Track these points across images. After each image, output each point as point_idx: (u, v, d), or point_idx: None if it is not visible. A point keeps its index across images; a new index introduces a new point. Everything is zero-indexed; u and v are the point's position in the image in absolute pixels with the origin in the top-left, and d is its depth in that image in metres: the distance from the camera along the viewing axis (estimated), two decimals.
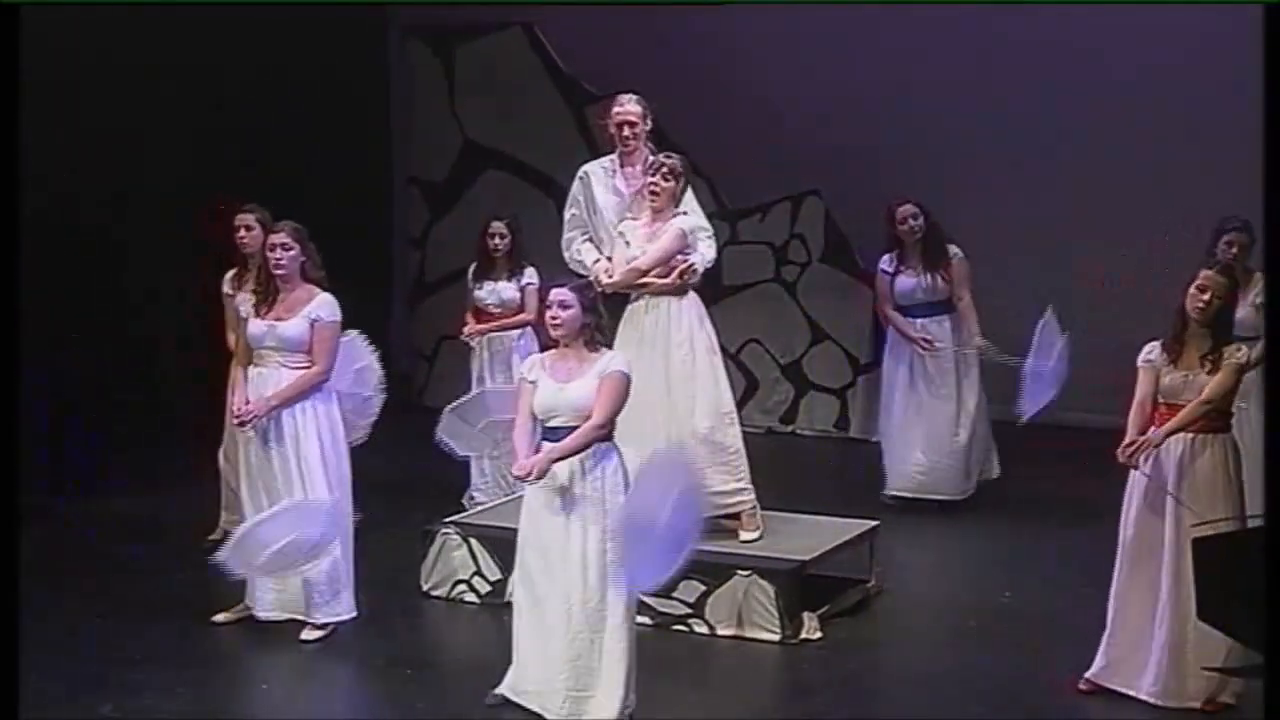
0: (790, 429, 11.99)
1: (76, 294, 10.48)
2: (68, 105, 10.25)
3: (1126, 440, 6.60)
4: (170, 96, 11.29)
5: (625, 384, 6.42)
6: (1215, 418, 6.62)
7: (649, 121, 8.16)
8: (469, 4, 12.90)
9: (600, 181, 8.18)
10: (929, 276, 9.66)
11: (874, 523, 8.37)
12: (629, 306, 7.90)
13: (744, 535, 7.95)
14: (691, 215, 7.98)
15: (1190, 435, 6.59)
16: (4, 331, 6.17)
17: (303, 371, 7.47)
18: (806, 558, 7.83)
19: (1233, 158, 9.73)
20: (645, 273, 7.80)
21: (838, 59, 12.05)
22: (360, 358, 8.00)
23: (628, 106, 8.13)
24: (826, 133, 11.85)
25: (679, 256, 7.84)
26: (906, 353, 9.79)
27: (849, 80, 11.93)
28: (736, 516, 7.98)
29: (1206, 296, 6.58)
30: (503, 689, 6.68)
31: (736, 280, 12.02)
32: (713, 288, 12.11)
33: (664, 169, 7.86)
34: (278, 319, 7.49)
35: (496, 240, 9.50)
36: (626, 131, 8.07)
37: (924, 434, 9.76)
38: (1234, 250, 8.37)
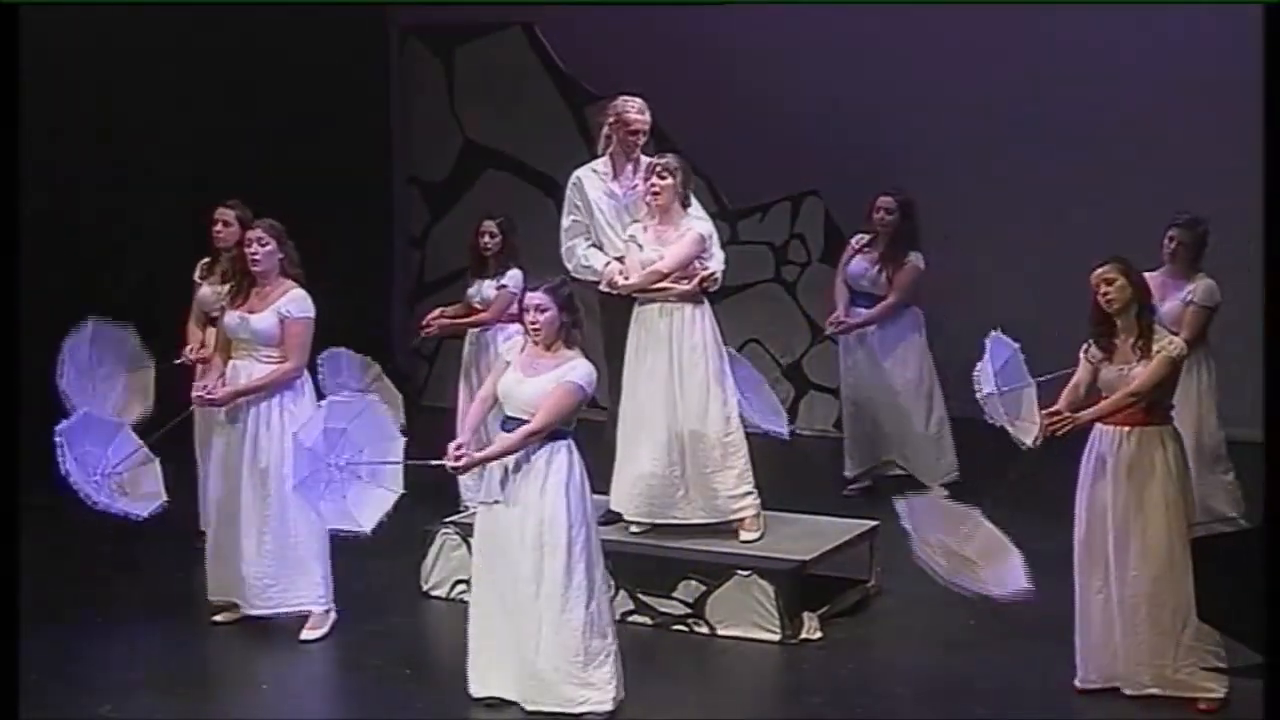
0: (791, 428, 11.98)
1: (74, 293, 10.47)
2: (63, 104, 10.25)
3: (1050, 410, 6.68)
4: (169, 96, 11.29)
5: (576, 396, 6.49)
6: (1153, 410, 6.66)
7: (648, 125, 8.15)
8: (469, 4, 12.91)
9: (594, 185, 8.18)
10: (878, 269, 9.71)
11: (874, 523, 8.37)
12: (639, 309, 7.89)
13: (745, 536, 7.96)
14: (705, 220, 8.02)
15: (1126, 428, 6.64)
16: (4, 331, 6.17)
17: (274, 365, 7.52)
18: (807, 558, 7.83)
19: (1233, 158, 9.75)
20: (665, 276, 7.80)
21: (837, 59, 12.05)
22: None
23: (634, 112, 8.10)
24: (826, 132, 11.85)
25: (697, 263, 7.86)
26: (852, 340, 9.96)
27: (849, 80, 11.93)
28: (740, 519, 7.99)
29: (1102, 290, 6.65)
30: (475, 691, 6.73)
31: (736, 280, 11.95)
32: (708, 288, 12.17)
33: (659, 167, 7.89)
34: (250, 311, 7.56)
35: (486, 239, 9.52)
36: (631, 137, 8.03)
37: (870, 428, 9.97)
38: (1174, 246, 8.47)
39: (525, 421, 6.47)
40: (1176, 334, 7.03)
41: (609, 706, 6.56)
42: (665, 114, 12.53)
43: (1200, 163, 11.03)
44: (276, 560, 7.54)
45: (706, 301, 8.00)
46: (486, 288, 9.52)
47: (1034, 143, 11.69)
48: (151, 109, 11.18)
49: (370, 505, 6.84)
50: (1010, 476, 6.84)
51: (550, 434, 6.49)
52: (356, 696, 7.23)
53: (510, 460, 6.51)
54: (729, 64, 12.14)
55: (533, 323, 6.54)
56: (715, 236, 8.09)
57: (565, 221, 8.24)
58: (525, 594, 6.48)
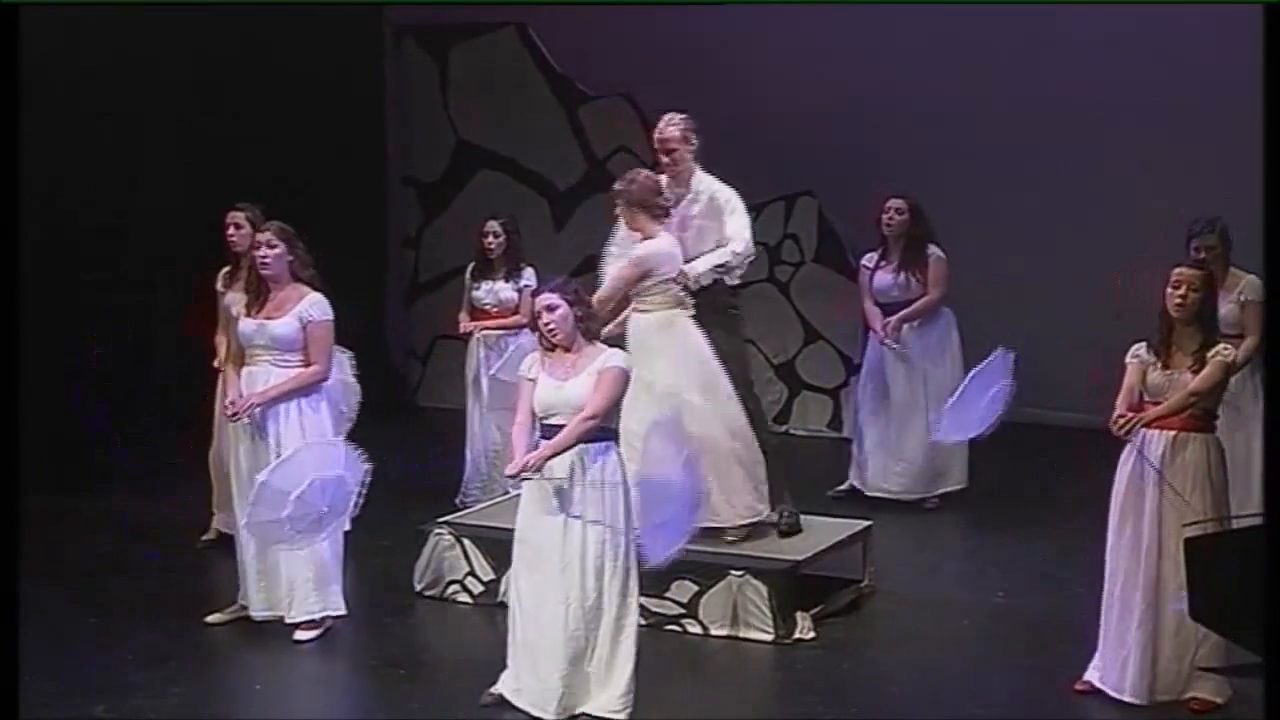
0: (784, 429, 11.98)
1: (73, 295, 10.48)
2: (56, 105, 10.24)
3: (1116, 414, 6.62)
4: (163, 97, 11.29)
5: (623, 379, 6.43)
6: (1199, 416, 6.64)
7: (687, 141, 8.02)
8: (463, 4, 12.91)
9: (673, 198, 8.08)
10: (903, 275, 9.70)
11: (867, 523, 8.38)
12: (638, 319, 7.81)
13: (730, 536, 7.96)
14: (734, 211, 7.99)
15: (1172, 433, 6.61)
16: (4, 332, 6.17)
17: (295, 370, 7.45)
18: (800, 558, 7.84)
19: (1232, 158, 9.74)
20: (603, 300, 7.56)
21: (831, 59, 12.05)
22: (342, 374, 8.02)
23: (665, 130, 8.05)
24: (820, 133, 11.85)
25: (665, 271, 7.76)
26: (879, 353, 9.86)
27: (843, 80, 11.93)
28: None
29: (1182, 291, 6.60)
30: (498, 688, 6.68)
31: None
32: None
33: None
34: (268, 318, 7.47)
35: (491, 240, 9.52)
36: (664, 158, 8.01)
37: (890, 434, 9.85)
38: (1202, 254, 8.34)
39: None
40: (1233, 337, 6.97)
41: (630, 709, 6.57)
42: (658, 114, 12.63)
43: (1200, 163, 11.03)
44: (286, 567, 7.49)
45: (687, 307, 7.87)
46: (501, 289, 9.52)
47: (1032, 143, 11.70)
48: (145, 109, 11.17)
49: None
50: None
51: (599, 432, 6.38)
52: (350, 697, 7.23)
53: (563, 468, 6.37)
54: (722, 64, 12.13)
55: (548, 324, 6.44)
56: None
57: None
58: (589, 598, 6.40)
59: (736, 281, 8.12)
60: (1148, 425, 6.59)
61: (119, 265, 11.03)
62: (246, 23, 11.52)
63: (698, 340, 7.81)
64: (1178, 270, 6.66)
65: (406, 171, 13.57)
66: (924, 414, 9.70)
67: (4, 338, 6.17)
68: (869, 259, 9.89)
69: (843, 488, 9.97)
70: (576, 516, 6.39)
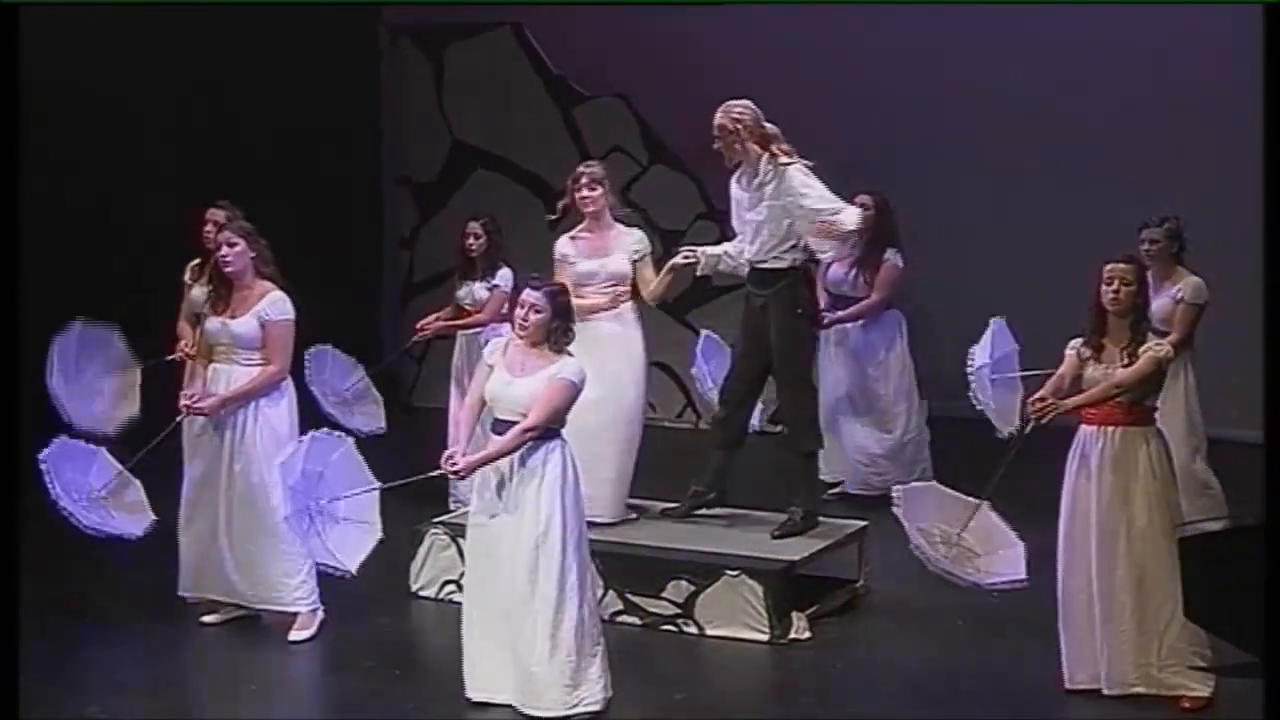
0: (779, 429, 11.97)
1: (64, 293, 10.46)
2: (50, 103, 10.24)
3: (1036, 396, 6.71)
4: (158, 97, 11.28)
5: (571, 392, 6.51)
6: (1134, 410, 6.69)
7: (744, 125, 8.04)
8: (458, 4, 12.91)
9: (734, 187, 8.24)
10: (856, 272, 9.74)
11: (863, 523, 8.39)
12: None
13: None
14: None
15: (1109, 428, 6.67)
16: (4, 332, 6.17)
17: (258, 369, 7.51)
18: (795, 558, 7.85)
19: (1232, 158, 9.77)
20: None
21: (826, 59, 12.06)
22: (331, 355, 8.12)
23: (716, 119, 8.09)
24: (814, 133, 11.78)
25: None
26: (832, 351, 9.94)
27: (837, 80, 11.94)
28: None
29: (1115, 286, 6.67)
30: (471, 694, 6.73)
31: (725, 280, 11.99)
32: (701, 288, 12.16)
33: (586, 177, 8.25)
34: (231, 315, 7.54)
35: (471, 240, 9.54)
36: (716, 144, 8.07)
37: (848, 431, 9.96)
38: (1147, 247, 8.51)
39: (516, 423, 6.47)
40: (1165, 333, 7.04)
41: (598, 706, 6.58)
42: (653, 114, 12.65)
43: (1200, 163, 11.04)
44: (255, 562, 7.54)
45: (627, 312, 8.27)
46: (477, 289, 9.54)
47: (1030, 142, 11.70)
48: (140, 108, 11.16)
49: (352, 546, 6.97)
50: (997, 473, 6.84)
51: (544, 434, 6.49)
52: (345, 697, 7.23)
53: (505, 465, 6.50)
54: (717, 64, 12.11)
55: (522, 320, 6.54)
56: (645, 244, 8.40)
57: None
58: (521, 595, 6.48)
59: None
60: (1071, 411, 6.65)
61: (113, 264, 11.01)
62: (242, 22, 11.52)
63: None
64: (1110, 266, 6.72)
65: (402, 171, 13.56)
66: (858, 414, 9.89)
67: (4, 338, 6.18)
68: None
69: (835, 490, 9.95)
70: (508, 512, 6.49)
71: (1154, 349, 6.65)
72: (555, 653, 6.48)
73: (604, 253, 8.32)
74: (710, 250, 8.31)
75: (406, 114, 13.50)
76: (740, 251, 8.22)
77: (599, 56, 12.68)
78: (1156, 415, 6.83)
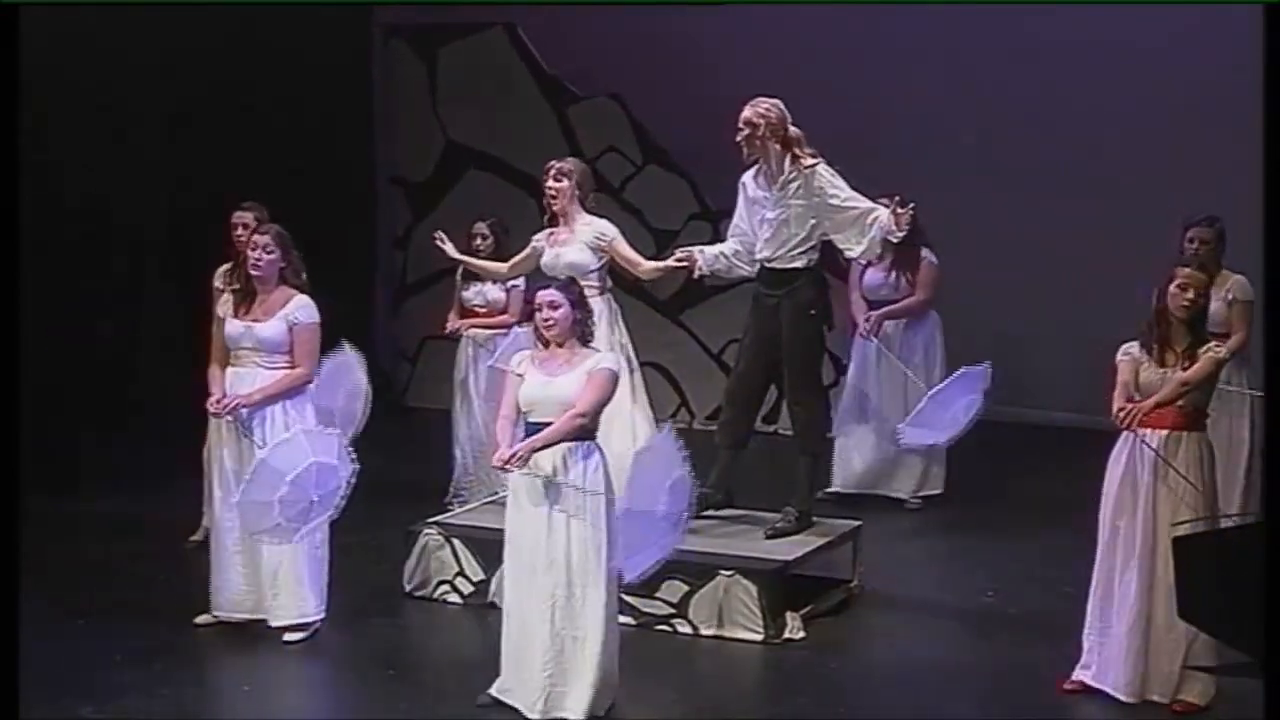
0: (773, 429, 11.98)
1: (59, 293, 10.46)
2: (42, 101, 10.22)
3: (1117, 406, 6.65)
4: (152, 96, 11.27)
5: (613, 381, 6.47)
6: (1191, 414, 6.67)
7: (769, 123, 8.02)
8: (452, 4, 12.90)
9: (749, 185, 8.21)
10: (894, 274, 9.73)
11: (857, 523, 8.39)
12: None
13: None
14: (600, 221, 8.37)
15: (1165, 430, 6.63)
16: (5, 333, 6.16)
17: (282, 373, 7.46)
18: (789, 558, 7.84)
19: (1232, 158, 9.76)
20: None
21: (822, 59, 12.05)
22: (353, 377, 8.05)
23: (743, 113, 8.06)
24: (808, 133, 11.83)
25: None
26: (864, 349, 9.92)
27: (832, 80, 11.92)
28: None
29: (1190, 295, 6.64)
30: (493, 690, 6.68)
31: (719, 280, 12.00)
32: (696, 288, 12.17)
33: (554, 170, 8.26)
34: (255, 320, 7.49)
35: (479, 241, 9.52)
36: (738, 138, 8.03)
37: (869, 434, 9.92)
38: (1196, 246, 8.48)
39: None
40: (1219, 335, 7.03)
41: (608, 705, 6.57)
42: (647, 114, 12.65)
43: (1200, 163, 11.05)
44: (270, 570, 7.48)
45: (607, 298, 8.29)
46: (489, 290, 9.52)
47: (1030, 143, 11.71)
48: (134, 108, 11.15)
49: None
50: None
51: (583, 432, 6.41)
52: (340, 697, 7.22)
53: (549, 464, 6.40)
54: (711, 64, 12.13)
55: (546, 320, 6.48)
56: (618, 234, 8.40)
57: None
58: (572, 598, 6.41)
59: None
60: (1144, 417, 6.60)
61: (108, 264, 11.01)
62: (235, 22, 11.51)
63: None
64: (1185, 271, 6.69)
65: (395, 172, 13.57)
66: (903, 414, 9.73)
67: (4, 339, 6.16)
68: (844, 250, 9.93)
69: (831, 490, 9.96)
70: (561, 512, 6.39)
71: (1213, 350, 6.64)
72: (600, 653, 6.41)
73: (563, 243, 8.33)
74: (708, 250, 8.29)
75: (400, 114, 13.50)
76: (735, 252, 8.20)
77: (593, 57, 12.68)
78: (1207, 422, 6.80)
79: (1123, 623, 6.69)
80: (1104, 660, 6.79)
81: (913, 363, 9.84)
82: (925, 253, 9.75)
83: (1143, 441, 6.58)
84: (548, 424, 6.37)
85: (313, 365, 7.56)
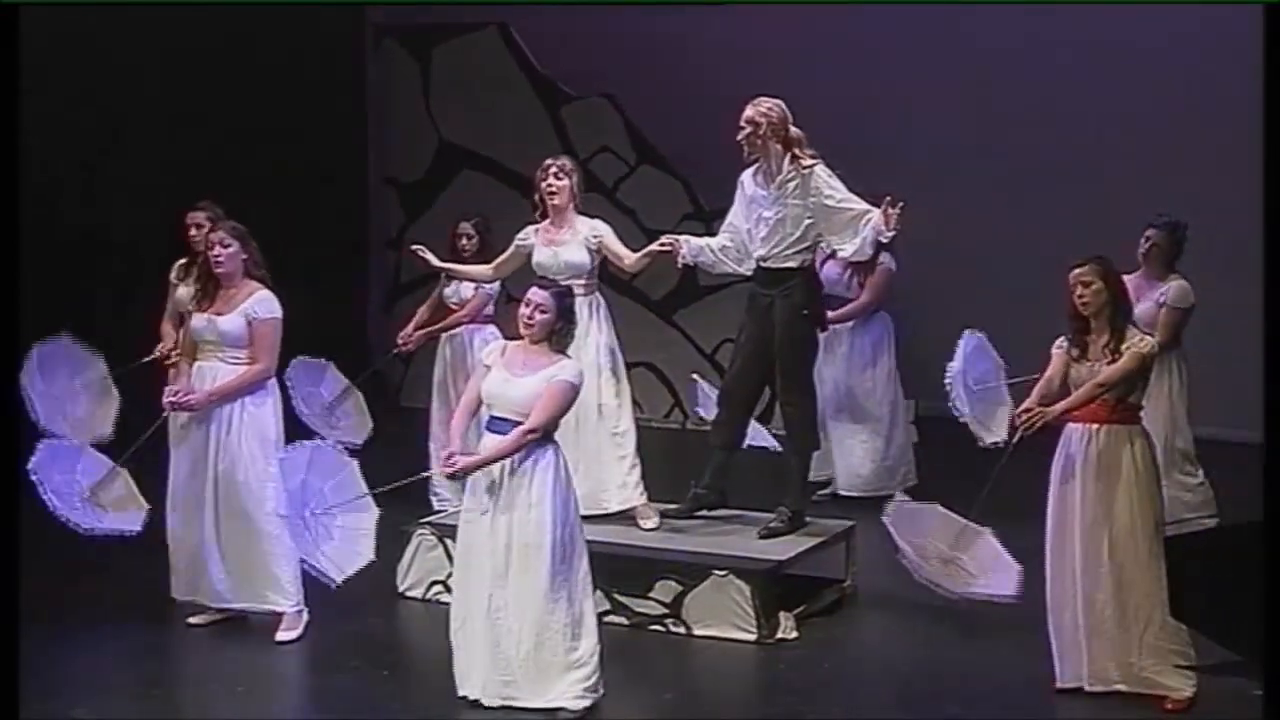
0: (767, 429, 12.00)
1: (54, 294, 10.45)
2: (36, 104, 10.21)
3: (1023, 406, 6.72)
4: (145, 97, 11.27)
5: (569, 394, 6.52)
6: (1119, 408, 6.70)
7: (770, 122, 8.02)
8: (444, 4, 12.90)
9: (748, 183, 8.20)
10: (849, 273, 9.75)
11: (850, 523, 8.39)
12: None
13: (645, 525, 8.12)
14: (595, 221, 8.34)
15: (1094, 426, 6.68)
16: (4, 333, 6.16)
17: (243, 368, 7.51)
18: (783, 557, 7.85)
19: (1232, 158, 9.78)
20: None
21: (817, 60, 12.07)
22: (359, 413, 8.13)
23: (745, 111, 8.04)
24: (804, 133, 11.85)
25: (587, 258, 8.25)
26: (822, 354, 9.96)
27: (827, 81, 11.93)
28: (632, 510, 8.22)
29: (1079, 292, 6.70)
30: (460, 689, 6.73)
31: (713, 280, 12.02)
32: (690, 288, 12.18)
33: (554, 168, 8.27)
34: (217, 313, 7.55)
35: (464, 241, 9.53)
36: (740, 137, 8.03)
37: (837, 433, 10.01)
38: (1149, 245, 8.54)
39: (515, 422, 6.45)
40: (1150, 335, 7.06)
41: (586, 702, 6.57)
42: (642, 114, 12.65)
43: (1200, 163, 11.06)
44: (241, 561, 7.54)
45: (597, 296, 8.27)
46: (464, 288, 9.54)
47: (1030, 143, 11.72)
48: (127, 109, 11.15)
49: (342, 559, 6.92)
50: (986, 487, 6.85)
51: (535, 442, 6.47)
52: (332, 697, 7.21)
53: (497, 466, 6.48)
54: (706, 64, 12.15)
55: (528, 318, 6.54)
56: (609, 230, 8.37)
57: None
58: (511, 595, 6.47)
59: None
60: (1058, 418, 6.67)
61: (101, 265, 11.00)
62: (228, 23, 11.51)
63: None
64: (1075, 272, 6.76)
65: (388, 172, 13.57)
66: (850, 415, 9.94)
67: (4, 339, 6.17)
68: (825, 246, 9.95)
69: (826, 492, 9.96)
70: (498, 511, 6.47)
71: (1137, 345, 6.66)
72: (545, 651, 6.47)
73: (560, 242, 8.30)
74: (694, 241, 8.28)
75: (393, 114, 13.50)
76: (723, 248, 8.20)
77: (586, 56, 12.68)
78: (1142, 414, 6.83)
79: (1073, 616, 6.76)
80: (1061, 653, 6.84)
81: (862, 365, 9.94)
82: (885, 257, 9.72)
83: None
84: (505, 421, 6.46)
85: (272, 360, 7.61)
